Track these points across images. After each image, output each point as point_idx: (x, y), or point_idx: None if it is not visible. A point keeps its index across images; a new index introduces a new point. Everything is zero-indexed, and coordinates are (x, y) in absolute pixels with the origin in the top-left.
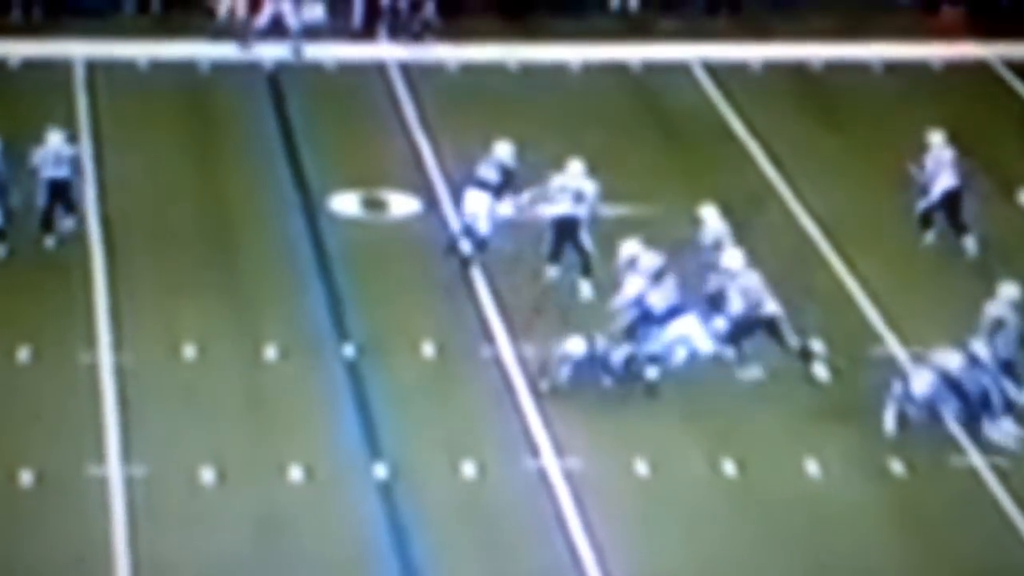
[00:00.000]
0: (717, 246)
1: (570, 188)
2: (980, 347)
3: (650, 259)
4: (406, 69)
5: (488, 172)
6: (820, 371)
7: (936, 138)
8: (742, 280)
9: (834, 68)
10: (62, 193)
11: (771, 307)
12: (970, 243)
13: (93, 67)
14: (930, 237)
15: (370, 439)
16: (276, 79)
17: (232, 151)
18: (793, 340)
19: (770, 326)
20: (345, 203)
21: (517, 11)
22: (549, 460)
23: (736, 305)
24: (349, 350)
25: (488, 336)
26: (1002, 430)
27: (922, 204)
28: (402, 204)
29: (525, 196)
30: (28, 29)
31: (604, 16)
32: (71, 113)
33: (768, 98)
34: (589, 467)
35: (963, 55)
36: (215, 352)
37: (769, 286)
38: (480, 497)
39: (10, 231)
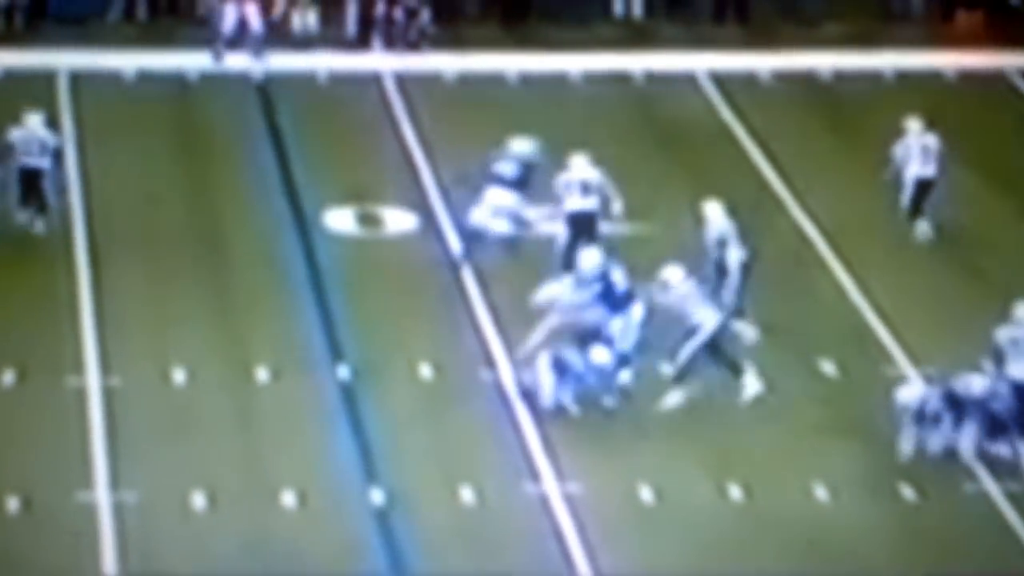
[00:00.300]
0: (722, 244)
1: (575, 182)
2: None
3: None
4: (402, 79)
5: (506, 168)
6: (751, 386)
7: (914, 124)
8: (673, 294)
9: (845, 78)
10: (35, 184)
11: (700, 317)
12: (923, 227)
13: (77, 78)
14: (923, 227)
15: (366, 463)
16: (266, 90)
17: (222, 165)
18: (725, 357)
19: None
20: (339, 219)
21: (516, 19)
22: (550, 485)
23: (636, 314)
24: (343, 371)
25: (487, 357)
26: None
27: (904, 199)
28: (398, 220)
29: (536, 213)
30: (9, 38)
31: (606, 24)
32: (55, 125)
33: (776, 109)
34: (591, 492)
35: (978, 64)
36: (206, 374)
37: (775, 299)
38: (479, 523)
39: None
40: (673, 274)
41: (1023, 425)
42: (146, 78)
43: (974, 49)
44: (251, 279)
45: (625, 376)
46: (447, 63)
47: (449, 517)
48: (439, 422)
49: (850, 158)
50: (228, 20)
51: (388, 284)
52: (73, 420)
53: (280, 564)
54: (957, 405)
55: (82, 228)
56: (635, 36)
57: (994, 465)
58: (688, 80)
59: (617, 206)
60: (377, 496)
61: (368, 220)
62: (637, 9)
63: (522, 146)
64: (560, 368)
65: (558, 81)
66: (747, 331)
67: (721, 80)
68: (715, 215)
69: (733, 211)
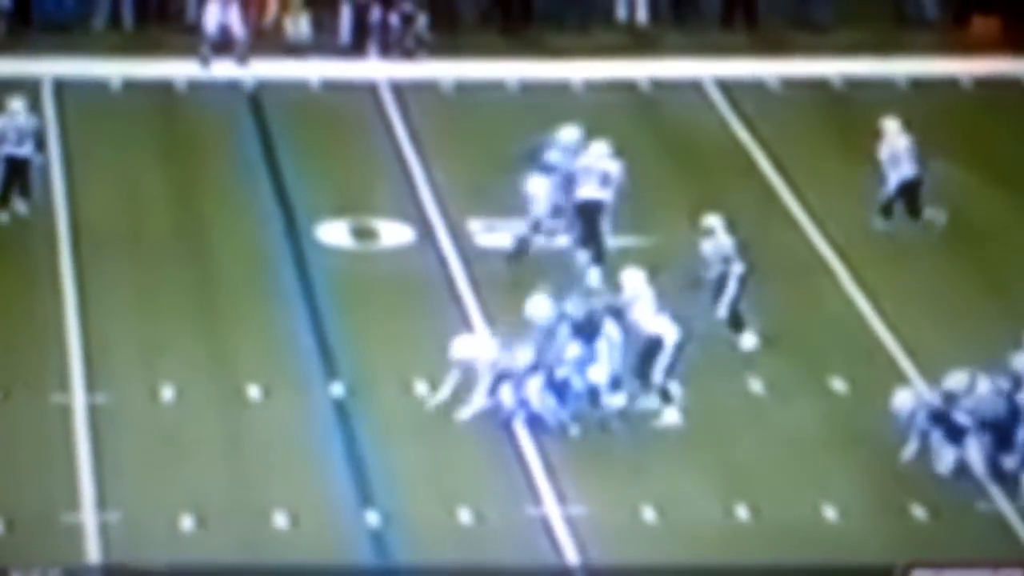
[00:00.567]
0: (727, 260)
1: (595, 170)
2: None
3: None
4: (398, 88)
5: (555, 157)
6: (670, 416)
7: (891, 125)
8: (630, 298)
9: (856, 85)
10: (21, 173)
11: (659, 329)
12: (931, 213)
13: (62, 87)
14: (881, 224)
15: (360, 485)
16: (258, 99)
17: (212, 177)
18: (659, 376)
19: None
20: (333, 232)
21: (516, 25)
22: (551, 507)
23: (612, 332)
24: (337, 389)
25: None
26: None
27: (880, 196)
28: (394, 233)
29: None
30: None
31: (609, 30)
32: (39, 136)
33: (786, 118)
34: (594, 514)
35: (995, 71)
36: (194, 392)
37: (783, 312)
38: (478, 546)
39: None
40: (631, 278)
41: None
42: (133, 87)
43: (991, 56)
44: (242, 294)
45: (618, 400)
46: (444, 71)
47: (447, 540)
48: (436, 442)
49: (862, 169)
50: (210, 23)
51: (383, 299)
52: (58, 439)
53: None
54: (945, 420)
55: (67, 241)
56: (639, 42)
57: (1007, 483)
58: (694, 88)
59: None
60: (372, 518)
61: (363, 233)
62: (641, 14)
63: (570, 135)
64: (559, 390)
65: (560, 89)
66: (748, 339)
67: (728, 88)
68: (715, 228)
69: (733, 223)
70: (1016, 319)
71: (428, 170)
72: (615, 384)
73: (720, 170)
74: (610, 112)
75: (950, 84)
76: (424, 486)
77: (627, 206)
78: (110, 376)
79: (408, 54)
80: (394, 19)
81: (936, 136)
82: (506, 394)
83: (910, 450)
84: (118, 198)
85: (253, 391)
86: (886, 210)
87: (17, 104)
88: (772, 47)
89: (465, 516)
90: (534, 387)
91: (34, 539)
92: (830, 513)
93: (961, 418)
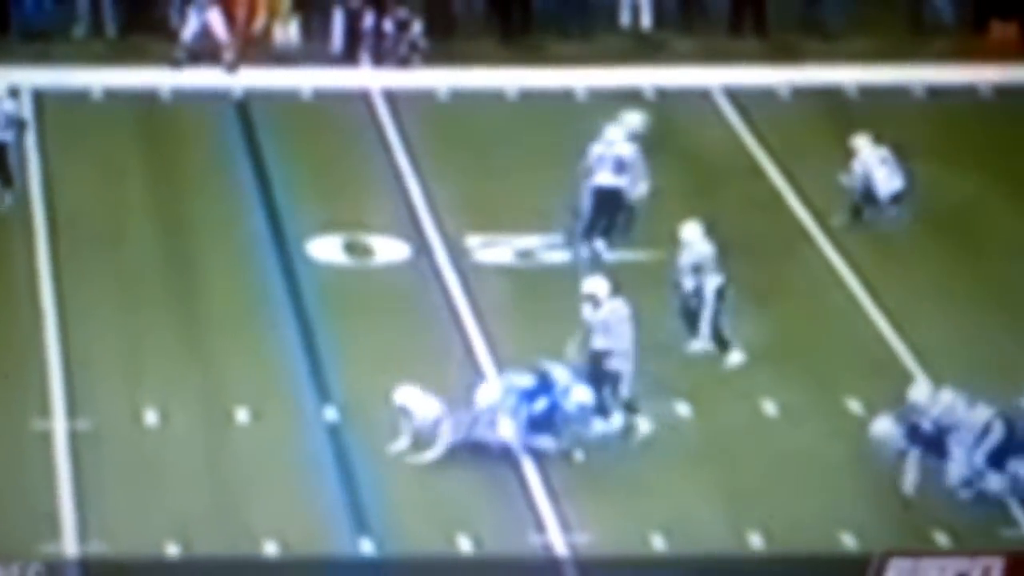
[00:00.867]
0: (698, 270)
1: (609, 156)
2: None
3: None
4: (392, 97)
5: (622, 148)
6: (643, 426)
7: (861, 141)
8: (606, 313)
9: (871, 93)
10: (2, 159)
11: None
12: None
13: (42, 96)
14: (840, 219)
15: (355, 512)
16: (246, 108)
17: (198, 190)
18: (626, 389)
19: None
20: (325, 248)
21: (516, 31)
22: (555, 536)
23: (598, 342)
24: (330, 413)
25: None
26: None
27: (871, 214)
28: (389, 249)
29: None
30: None
31: (613, 36)
32: (18, 148)
33: (797, 127)
34: (598, 543)
35: (1015, 78)
36: (180, 416)
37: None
38: None
39: None
40: (599, 287)
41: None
42: (115, 96)
43: (1010, 62)
44: (229, 313)
45: (600, 426)
46: (441, 79)
47: (447, 570)
48: (436, 468)
49: None
50: (189, 27)
51: (378, 318)
52: (38, 466)
53: None
54: (922, 436)
55: (46, 258)
56: (644, 49)
57: None
58: (702, 96)
59: (643, 187)
60: (367, 547)
61: (356, 249)
62: (646, 20)
63: (634, 120)
64: (549, 424)
65: (561, 98)
66: (734, 356)
67: (737, 96)
68: (693, 238)
69: (752, 252)
70: None
71: (424, 183)
72: (600, 410)
73: (728, 182)
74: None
75: (968, 92)
76: (422, 513)
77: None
78: (92, 400)
79: (403, 61)
80: (388, 25)
81: (954, 146)
82: (485, 431)
83: (909, 481)
84: (100, 213)
85: (241, 415)
86: (856, 211)
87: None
88: (783, 54)
89: (465, 544)
90: (506, 427)
91: (14, 568)
92: (848, 540)
93: (935, 428)
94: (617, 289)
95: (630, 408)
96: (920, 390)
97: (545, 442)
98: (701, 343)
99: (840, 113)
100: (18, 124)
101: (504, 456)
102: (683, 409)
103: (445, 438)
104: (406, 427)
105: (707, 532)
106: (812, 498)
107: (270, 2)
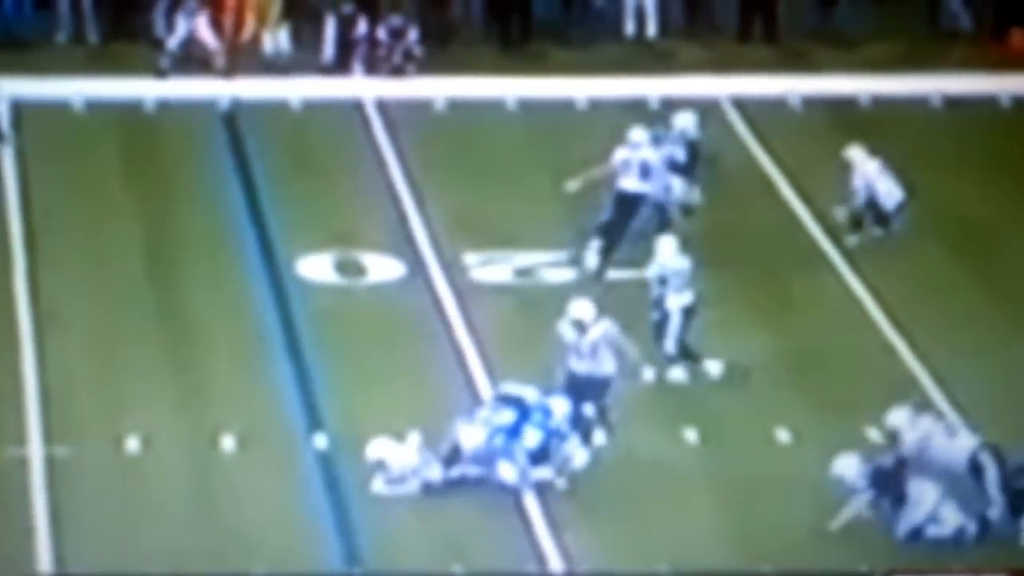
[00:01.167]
0: (663, 282)
1: (635, 161)
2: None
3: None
4: (385, 107)
5: (676, 151)
6: (579, 457)
7: (855, 153)
8: (593, 337)
9: (885, 104)
10: None
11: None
12: (877, 232)
13: (20, 107)
14: (854, 240)
15: (347, 544)
16: (233, 119)
17: (183, 205)
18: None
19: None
20: (316, 266)
21: (516, 39)
22: (556, 568)
23: (581, 366)
24: (321, 440)
25: None
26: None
27: (876, 232)
28: (382, 267)
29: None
30: None
31: (616, 44)
32: None
33: (808, 138)
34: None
35: None
36: (162, 443)
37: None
38: None
39: None
40: (585, 311)
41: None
42: (97, 107)
43: None
44: (215, 334)
45: (580, 456)
46: (437, 88)
47: None
48: (431, 498)
49: None
50: (176, 34)
51: (371, 340)
52: (14, 495)
53: None
54: (882, 477)
55: (23, 275)
56: (649, 57)
57: None
58: (710, 106)
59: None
60: None
61: (348, 267)
62: (651, 28)
63: (686, 121)
64: (546, 455)
65: (562, 108)
66: (713, 367)
67: (746, 106)
68: (665, 252)
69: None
70: None
71: (419, 198)
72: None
73: (738, 195)
74: (617, 133)
75: (987, 102)
76: (417, 545)
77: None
78: (70, 426)
79: (397, 70)
80: (382, 32)
81: (972, 159)
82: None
83: (841, 518)
84: (80, 230)
85: (227, 442)
86: (856, 222)
87: None
88: (793, 62)
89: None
90: (506, 470)
91: None
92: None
93: (897, 464)
94: (615, 307)
95: (586, 436)
96: (899, 415)
97: (545, 472)
98: (675, 371)
99: (853, 124)
100: None
101: (500, 487)
102: (691, 435)
103: (424, 477)
104: (383, 478)
105: (714, 561)
106: (825, 527)
107: (259, 9)
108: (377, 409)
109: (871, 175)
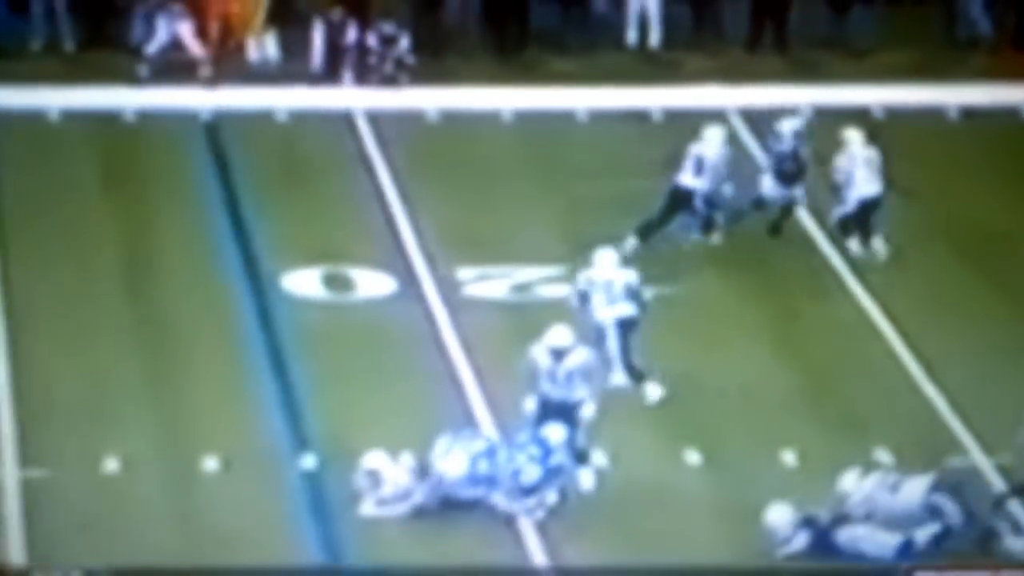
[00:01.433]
0: (584, 299)
1: (693, 155)
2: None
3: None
4: (376, 119)
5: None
6: (586, 480)
7: (854, 135)
8: (570, 364)
9: (900, 114)
10: None
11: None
12: (878, 245)
13: None
14: (854, 246)
15: (336, 571)
16: (216, 130)
17: (164, 219)
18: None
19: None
20: (303, 281)
21: (512, 48)
22: None
23: (555, 391)
24: (308, 461)
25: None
26: None
27: (837, 212)
28: (372, 283)
29: None
30: None
31: (618, 54)
32: None
33: (821, 151)
34: None
35: None
36: (143, 464)
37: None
38: None
39: None
40: (564, 338)
41: None
42: (73, 117)
43: None
44: (198, 351)
45: (587, 480)
46: (430, 99)
47: None
48: (423, 521)
49: (907, 211)
50: (156, 39)
51: (361, 357)
52: None
53: None
54: (814, 530)
55: None
56: (652, 68)
57: None
58: (716, 118)
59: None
60: None
61: (337, 283)
62: (654, 37)
63: (792, 123)
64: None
65: (561, 120)
66: (651, 390)
67: (754, 118)
68: (602, 264)
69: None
70: None
71: (411, 211)
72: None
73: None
74: (619, 145)
75: (1008, 114)
76: (406, 568)
77: (641, 253)
78: (46, 446)
79: (388, 80)
80: (372, 40)
81: (991, 172)
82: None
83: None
84: (56, 244)
85: (210, 463)
86: (844, 228)
87: None
88: (804, 71)
89: None
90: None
91: None
92: None
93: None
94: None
95: (581, 459)
96: (848, 479)
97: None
98: (616, 378)
99: (866, 135)
100: None
101: (493, 510)
102: (692, 457)
103: (415, 501)
104: (372, 494)
105: None
106: None
107: (244, 15)
108: (366, 430)
109: (857, 159)
